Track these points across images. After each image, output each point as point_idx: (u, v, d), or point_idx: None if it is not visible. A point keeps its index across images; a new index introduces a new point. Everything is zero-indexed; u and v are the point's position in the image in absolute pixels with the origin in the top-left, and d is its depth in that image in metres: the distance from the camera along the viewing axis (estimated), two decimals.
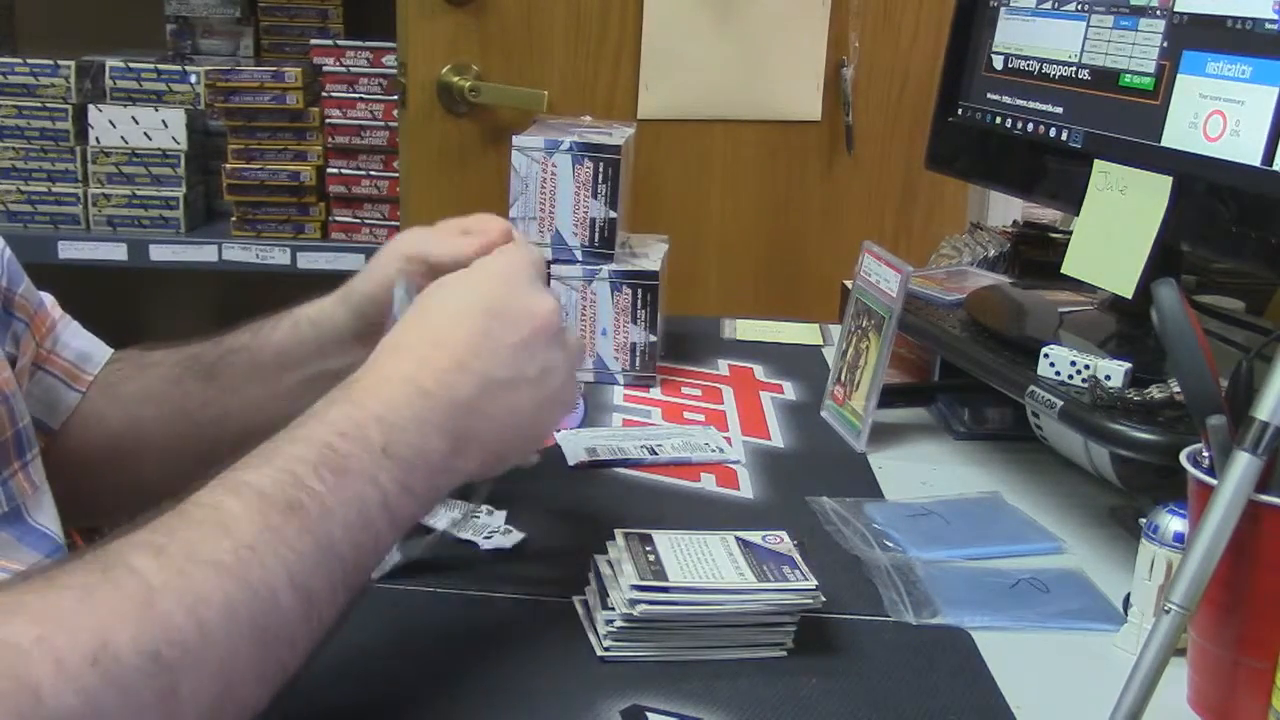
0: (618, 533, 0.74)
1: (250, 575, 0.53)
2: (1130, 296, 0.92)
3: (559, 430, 1.06)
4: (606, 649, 0.70)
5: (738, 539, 0.75)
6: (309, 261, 2.11)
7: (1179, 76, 0.90)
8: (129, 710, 0.47)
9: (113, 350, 0.93)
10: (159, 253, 2.11)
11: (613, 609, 0.70)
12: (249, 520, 0.55)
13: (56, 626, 0.46)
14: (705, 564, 0.72)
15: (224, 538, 0.53)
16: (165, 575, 0.50)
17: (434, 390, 0.65)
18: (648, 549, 0.72)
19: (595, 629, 0.72)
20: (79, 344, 0.90)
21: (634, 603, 0.69)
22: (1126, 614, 0.77)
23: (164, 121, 2.12)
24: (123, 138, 2.13)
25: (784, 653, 0.72)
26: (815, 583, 0.71)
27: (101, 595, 0.49)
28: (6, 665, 0.44)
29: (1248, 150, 0.84)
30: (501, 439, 0.68)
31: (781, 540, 0.76)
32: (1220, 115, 0.86)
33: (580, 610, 0.75)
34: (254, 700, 0.53)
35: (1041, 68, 1.06)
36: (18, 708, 0.43)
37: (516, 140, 1.18)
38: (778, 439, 1.08)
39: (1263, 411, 0.62)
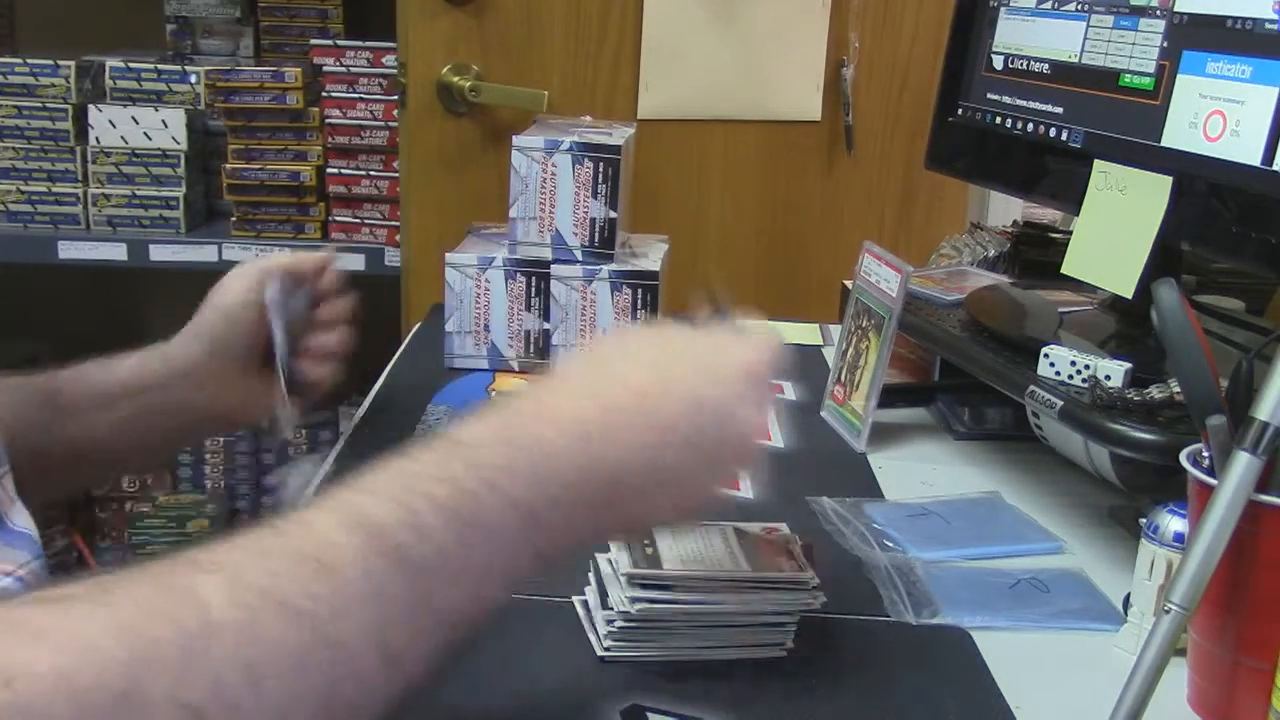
0: None
1: (334, 633, 0.46)
2: (1130, 296, 0.92)
3: None
4: (606, 649, 0.70)
5: (735, 529, 0.75)
6: None
7: (1179, 76, 0.90)
8: None
9: None
10: (159, 253, 2.11)
11: (613, 609, 0.70)
12: (351, 563, 0.48)
13: (81, 660, 0.41)
14: (702, 554, 0.72)
15: (317, 582, 0.47)
16: (233, 615, 0.44)
17: (608, 453, 0.58)
18: (645, 540, 0.72)
19: (595, 629, 0.72)
20: None
21: (634, 600, 0.69)
22: (1126, 614, 0.77)
23: (164, 121, 2.12)
24: (123, 138, 2.13)
25: (784, 653, 0.72)
26: (811, 573, 0.71)
27: (148, 629, 0.43)
28: (24, 700, 0.39)
29: (1248, 150, 0.84)
30: (655, 495, 0.60)
31: (775, 531, 0.76)
32: (1220, 115, 0.86)
33: (580, 610, 0.75)
34: None
35: (1041, 68, 1.06)
36: None
37: (516, 140, 1.18)
38: (778, 439, 1.08)
39: (1263, 411, 0.62)
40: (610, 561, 0.73)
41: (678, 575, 0.70)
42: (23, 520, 0.72)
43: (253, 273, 0.95)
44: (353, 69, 2.10)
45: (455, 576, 0.51)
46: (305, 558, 0.48)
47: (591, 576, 0.74)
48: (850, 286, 1.14)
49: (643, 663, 0.70)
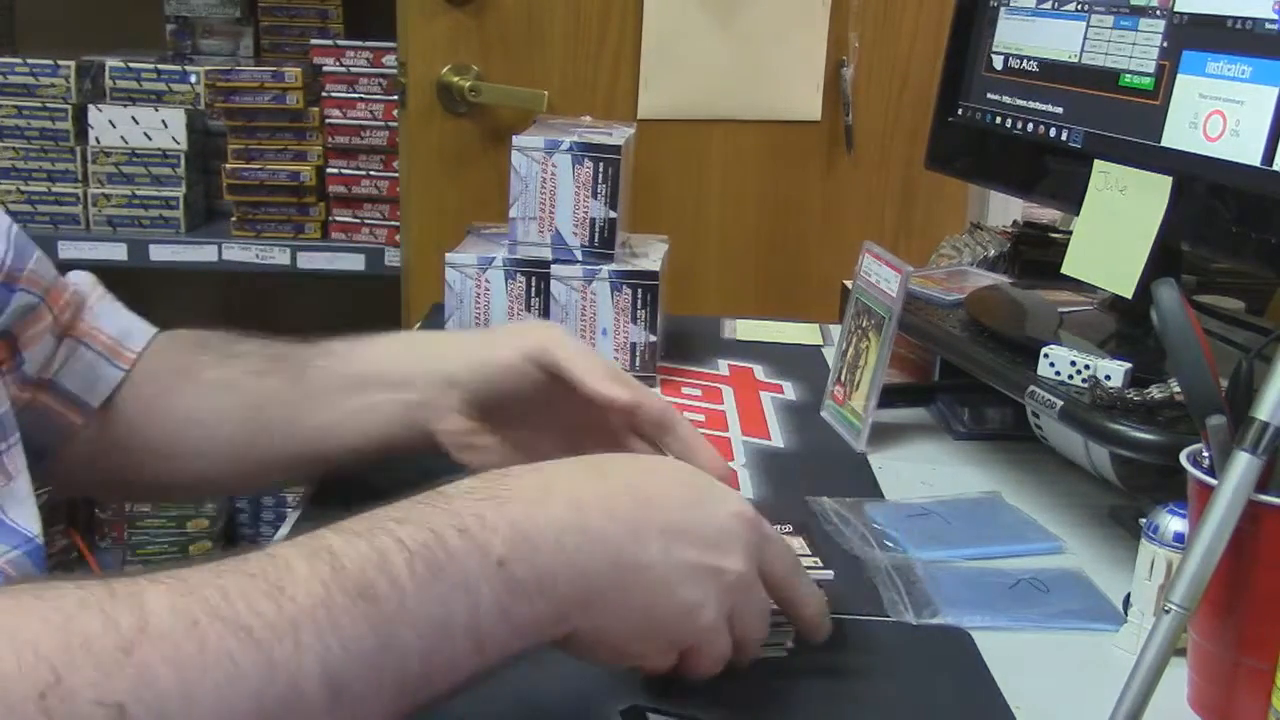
0: None
1: (277, 653, 0.46)
2: (1130, 296, 0.92)
3: None
4: None
5: None
6: (309, 261, 2.12)
7: (1179, 76, 0.90)
8: None
9: (157, 329, 0.90)
10: (159, 253, 2.11)
11: None
12: (308, 591, 0.48)
13: (9, 648, 0.42)
14: None
15: (267, 601, 0.47)
16: (173, 622, 0.44)
17: (594, 523, 0.57)
18: None
19: None
20: (121, 321, 0.88)
21: None
22: (1126, 614, 0.77)
23: (164, 121, 2.13)
24: (123, 138, 2.13)
25: (784, 653, 0.72)
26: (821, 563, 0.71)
27: (81, 624, 0.43)
28: None
29: (1248, 150, 0.84)
30: (629, 612, 0.59)
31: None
32: (1220, 115, 0.86)
33: None
34: None
35: (1041, 68, 1.06)
36: None
37: (516, 140, 1.18)
38: (778, 439, 1.08)
39: (1263, 411, 0.62)
40: None
41: None
42: (17, 508, 0.70)
43: (521, 356, 0.82)
44: (353, 69, 2.10)
45: (416, 619, 0.50)
46: (259, 579, 0.48)
47: None
48: (850, 286, 1.14)
49: None
